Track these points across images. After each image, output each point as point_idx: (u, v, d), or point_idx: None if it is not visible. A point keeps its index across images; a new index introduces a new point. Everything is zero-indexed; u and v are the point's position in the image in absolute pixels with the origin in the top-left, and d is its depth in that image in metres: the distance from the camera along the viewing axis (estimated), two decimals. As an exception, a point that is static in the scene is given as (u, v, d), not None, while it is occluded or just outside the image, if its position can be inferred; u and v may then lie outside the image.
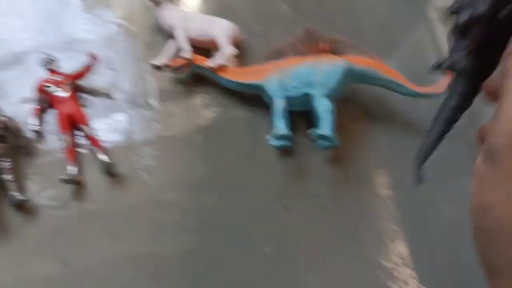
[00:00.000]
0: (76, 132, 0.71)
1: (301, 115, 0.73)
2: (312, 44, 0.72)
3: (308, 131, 0.66)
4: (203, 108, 0.76)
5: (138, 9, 0.84)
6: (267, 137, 0.68)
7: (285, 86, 0.70)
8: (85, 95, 0.75)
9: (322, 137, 0.66)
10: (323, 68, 0.69)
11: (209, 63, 0.74)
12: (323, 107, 0.67)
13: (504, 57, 0.25)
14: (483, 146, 0.24)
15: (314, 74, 0.69)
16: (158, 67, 0.78)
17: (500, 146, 0.23)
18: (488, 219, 0.23)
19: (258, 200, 0.69)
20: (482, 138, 0.25)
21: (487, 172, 0.24)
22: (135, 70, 0.78)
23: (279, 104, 0.69)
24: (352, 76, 0.70)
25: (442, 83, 0.69)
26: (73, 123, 0.70)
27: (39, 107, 0.72)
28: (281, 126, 0.68)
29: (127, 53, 0.80)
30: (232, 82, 0.74)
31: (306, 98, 0.70)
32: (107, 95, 0.75)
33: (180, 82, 0.77)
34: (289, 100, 0.70)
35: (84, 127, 0.70)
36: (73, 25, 0.82)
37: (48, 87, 0.71)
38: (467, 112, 0.34)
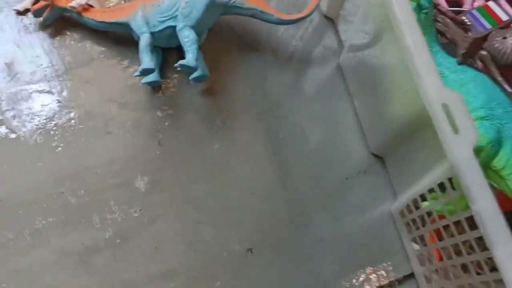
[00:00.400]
0: None
1: (175, 53, 0.73)
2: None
3: (175, 65, 0.66)
4: (69, 47, 0.73)
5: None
6: (136, 73, 0.67)
7: (150, 21, 0.69)
8: None
9: (189, 68, 0.66)
10: (187, 0, 0.68)
11: (72, 3, 0.71)
12: (188, 38, 0.67)
13: None
14: None
15: (178, 6, 0.68)
16: (20, 13, 0.74)
17: None
18: None
19: (135, 137, 0.69)
20: None
21: None
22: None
23: (144, 39, 0.68)
24: (217, 7, 0.70)
25: (308, 7, 0.71)
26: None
27: None
28: (146, 60, 0.67)
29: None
30: (98, 22, 0.71)
31: (171, 32, 0.69)
32: None
33: (44, 26, 0.74)
34: (155, 35, 0.69)
35: None
36: None
37: None
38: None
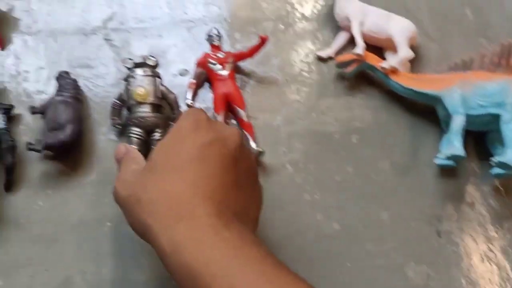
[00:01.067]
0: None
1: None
2: (507, 61, 0.62)
3: (492, 160, 0.58)
4: (362, 108, 0.70)
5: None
6: (439, 157, 0.61)
7: (469, 102, 0.62)
8: (241, 77, 0.72)
9: (504, 165, 0.57)
10: (522, 89, 0.59)
11: (383, 64, 0.67)
12: (512, 133, 0.58)
13: None
14: None
15: (507, 94, 0.60)
16: (322, 59, 0.73)
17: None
18: None
19: (408, 219, 0.62)
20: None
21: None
22: (296, 57, 0.73)
23: (459, 121, 0.61)
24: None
25: None
26: (228, 104, 0.67)
27: (196, 81, 0.69)
28: (457, 146, 0.60)
29: (292, 38, 0.75)
30: (404, 87, 0.66)
31: (489, 119, 0.61)
32: (260, 82, 0.71)
33: (342, 77, 0.71)
34: (469, 118, 0.62)
35: (239, 109, 0.66)
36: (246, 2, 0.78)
37: (211, 63, 0.68)
38: None
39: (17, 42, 0.73)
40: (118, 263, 0.59)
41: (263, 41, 0.67)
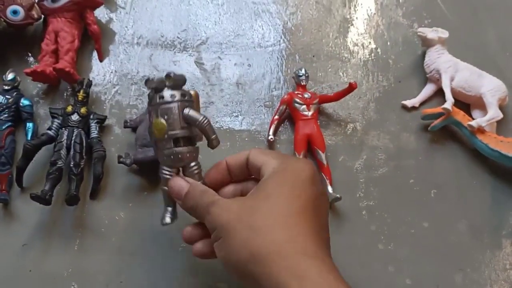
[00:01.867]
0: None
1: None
2: None
3: None
4: (443, 163, 0.70)
5: (399, 42, 0.79)
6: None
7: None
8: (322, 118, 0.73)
9: None
10: None
11: (472, 123, 0.66)
12: None
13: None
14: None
15: None
16: (407, 108, 0.73)
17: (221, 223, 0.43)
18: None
19: (482, 285, 0.61)
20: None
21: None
22: (379, 104, 0.74)
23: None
24: None
25: None
26: (309, 144, 0.68)
27: (279, 118, 0.70)
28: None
29: (374, 85, 0.75)
30: (491, 149, 0.66)
31: None
32: (343, 125, 0.72)
33: (426, 129, 0.71)
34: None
35: (319, 151, 0.67)
36: (333, 42, 0.79)
37: (297, 103, 0.69)
38: None
39: (113, 54, 0.76)
40: (190, 284, 0.60)
41: (352, 87, 0.67)
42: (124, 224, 0.63)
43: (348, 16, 0.82)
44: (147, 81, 0.49)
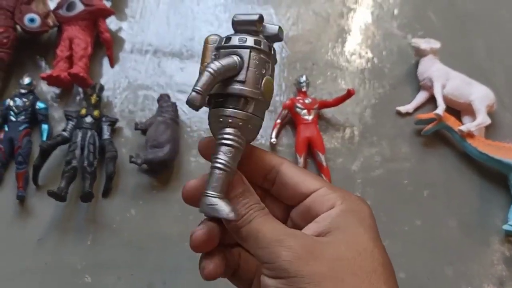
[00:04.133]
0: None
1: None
2: None
3: None
4: (435, 165, 0.74)
5: (394, 52, 0.84)
6: (508, 223, 0.64)
7: (544, 176, 0.65)
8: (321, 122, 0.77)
9: None
10: None
11: (462, 127, 0.71)
12: None
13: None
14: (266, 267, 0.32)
15: None
16: (401, 114, 0.77)
17: (286, 262, 0.31)
18: None
19: (471, 276, 0.65)
20: None
21: (283, 286, 0.31)
22: (374, 109, 0.78)
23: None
24: None
25: None
26: (309, 147, 0.72)
27: (281, 122, 0.74)
28: (527, 217, 0.63)
29: (371, 91, 0.80)
30: (479, 152, 0.70)
31: None
32: (343, 129, 0.76)
33: (419, 134, 0.75)
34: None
35: (319, 153, 0.71)
36: (331, 51, 0.84)
37: (298, 107, 0.73)
38: None
39: (123, 61, 0.80)
40: (196, 278, 0.63)
41: (350, 94, 0.72)
42: (135, 220, 0.66)
43: (345, 27, 0.86)
44: (239, 17, 0.35)
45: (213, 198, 0.33)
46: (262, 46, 0.34)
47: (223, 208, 0.33)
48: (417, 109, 0.78)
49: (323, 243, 0.33)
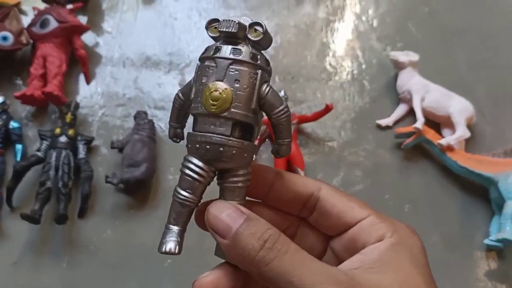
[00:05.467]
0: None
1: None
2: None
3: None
4: (416, 179, 0.73)
5: (373, 65, 0.83)
6: (490, 239, 0.64)
7: (521, 189, 0.65)
8: (301, 137, 0.76)
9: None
10: None
11: (441, 140, 0.70)
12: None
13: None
14: None
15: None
16: (381, 127, 0.77)
17: None
18: None
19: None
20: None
21: None
22: (355, 123, 0.77)
23: (511, 207, 0.64)
24: None
25: None
26: (288, 163, 0.71)
27: (260, 137, 0.73)
28: (509, 231, 0.63)
29: (351, 104, 0.79)
30: (459, 165, 0.70)
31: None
32: (322, 143, 0.75)
33: (399, 147, 0.75)
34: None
35: (298, 169, 0.70)
36: (311, 64, 0.83)
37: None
38: None
39: (100, 77, 0.79)
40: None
41: (328, 109, 0.71)
42: (112, 241, 0.65)
43: (324, 40, 0.86)
44: (213, 21, 0.31)
45: None
46: (205, 53, 0.31)
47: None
48: (397, 122, 0.78)
49: (372, 286, 0.28)
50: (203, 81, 0.30)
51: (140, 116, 0.72)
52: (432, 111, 0.74)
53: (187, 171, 0.31)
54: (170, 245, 0.30)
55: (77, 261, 0.64)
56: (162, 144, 0.73)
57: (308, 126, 0.76)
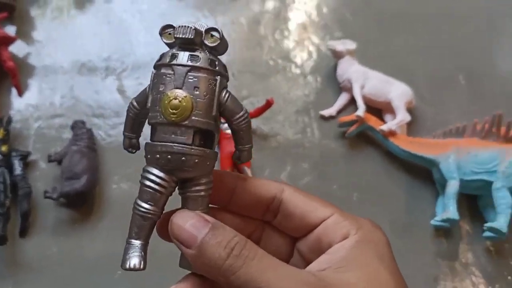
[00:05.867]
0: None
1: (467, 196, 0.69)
2: (499, 130, 0.67)
3: (485, 226, 0.62)
4: (362, 167, 0.74)
5: (314, 56, 0.84)
6: (436, 219, 0.65)
7: (463, 168, 0.66)
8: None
9: (495, 230, 0.61)
10: (510, 159, 0.64)
11: (383, 126, 0.71)
12: (503, 200, 0.62)
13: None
14: None
15: (498, 162, 0.64)
16: (325, 118, 0.77)
17: None
18: None
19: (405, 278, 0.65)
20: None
21: None
22: (300, 116, 0.77)
23: (453, 186, 0.65)
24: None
25: None
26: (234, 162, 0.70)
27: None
28: (452, 210, 0.64)
29: (295, 97, 0.79)
30: (402, 150, 0.71)
31: (482, 185, 0.65)
32: (268, 139, 0.75)
33: (343, 136, 0.75)
34: (463, 183, 0.66)
35: (244, 167, 0.69)
36: (251, 59, 0.83)
37: (220, 122, 0.71)
38: None
39: (33, 88, 0.75)
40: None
41: (269, 104, 0.71)
42: (58, 257, 0.63)
43: (263, 33, 0.85)
44: (168, 27, 0.30)
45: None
46: (161, 60, 0.30)
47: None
48: (340, 111, 0.78)
49: (341, 285, 0.29)
50: (160, 89, 0.29)
51: (77, 125, 0.70)
52: (373, 98, 0.75)
53: (148, 183, 0.30)
54: (134, 260, 0.30)
55: (23, 282, 0.61)
56: (104, 153, 0.71)
57: (252, 122, 0.75)
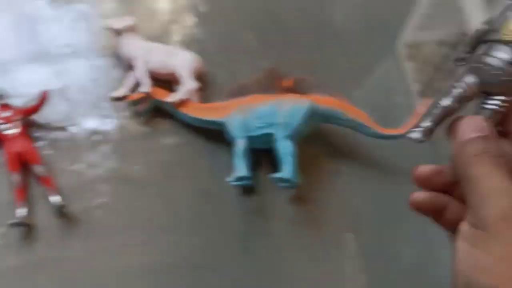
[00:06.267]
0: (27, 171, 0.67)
1: (265, 151, 0.70)
2: (275, 82, 0.70)
3: (271, 176, 0.64)
4: (163, 143, 0.73)
5: (98, 37, 0.80)
6: (230, 180, 0.66)
7: (248, 125, 0.68)
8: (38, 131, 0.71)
9: (283, 180, 0.64)
10: (286, 108, 0.67)
11: (169, 98, 0.71)
12: (285, 149, 0.65)
13: None
14: (471, 213, 0.28)
15: (276, 114, 0.67)
16: (118, 99, 0.75)
17: (491, 216, 0.27)
18: (482, 278, 0.26)
19: (217, 241, 0.67)
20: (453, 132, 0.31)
21: (477, 236, 0.27)
22: (93, 101, 0.75)
23: (240, 145, 0.67)
24: (316, 116, 0.68)
25: (408, 124, 0.68)
26: (23, 162, 0.66)
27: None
28: (241, 168, 0.66)
29: (82, 84, 0.76)
30: (193, 118, 0.71)
31: (269, 138, 0.68)
32: (62, 129, 0.72)
33: (139, 115, 0.74)
34: (251, 139, 0.68)
35: (36, 166, 0.66)
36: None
37: (-3, 123, 0.66)
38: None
39: None
40: None
41: (45, 96, 0.68)
42: None
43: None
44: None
45: None
46: None
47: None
48: (134, 90, 0.76)
49: None
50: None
51: None
52: (158, 71, 0.74)
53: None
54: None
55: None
56: None
57: (39, 117, 0.71)
